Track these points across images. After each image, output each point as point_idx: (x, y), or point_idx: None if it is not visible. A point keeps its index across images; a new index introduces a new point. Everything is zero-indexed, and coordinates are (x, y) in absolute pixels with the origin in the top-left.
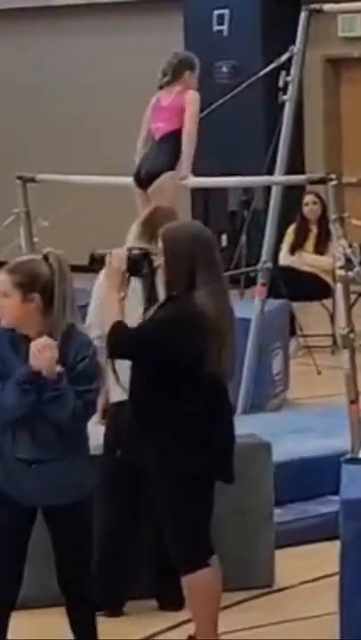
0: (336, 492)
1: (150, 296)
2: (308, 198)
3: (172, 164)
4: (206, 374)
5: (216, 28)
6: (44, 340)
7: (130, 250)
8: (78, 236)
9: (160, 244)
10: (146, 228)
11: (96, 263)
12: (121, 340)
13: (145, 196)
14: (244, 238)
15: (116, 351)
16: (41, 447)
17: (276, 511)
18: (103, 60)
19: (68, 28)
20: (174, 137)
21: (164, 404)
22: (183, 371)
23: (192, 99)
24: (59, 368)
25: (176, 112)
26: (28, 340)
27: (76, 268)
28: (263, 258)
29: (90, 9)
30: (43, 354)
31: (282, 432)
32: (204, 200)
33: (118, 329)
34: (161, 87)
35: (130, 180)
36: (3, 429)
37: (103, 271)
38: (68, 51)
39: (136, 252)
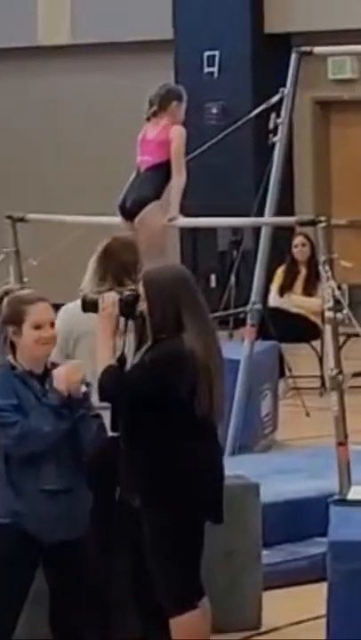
0: (324, 534)
1: (142, 338)
2: (297, 240)
3: (157, 194)
4: (196, 415)
5: (207, 69)
6: (74, 362)
7: (121, 293)
8: (68, 276)
9: (142, 289)
10: (101, 262)
11: (89, 308)
12: (112, 384)
13: (132, 229)
14: (233, 279)
15: (106, 394)
16: (64, 476)
17: (264, 552)
18: (93, 100)
19: (57, 68)
20: (160, 169)
21: (154, 445)
22: (173, 412)
23: (177, 134)
24: (83, 388)
25: (161, 145)
26: (32, 375)
27: None
28: (252, 299)
29: (81, 49)
30: (73, 376)
31: (270, 473)
32: (193, 240)
33: (109, 372)
34: (148, 118)
35: (120, 219)
36: (26, 462)
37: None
38: (58, 91)
39: (128, 294)
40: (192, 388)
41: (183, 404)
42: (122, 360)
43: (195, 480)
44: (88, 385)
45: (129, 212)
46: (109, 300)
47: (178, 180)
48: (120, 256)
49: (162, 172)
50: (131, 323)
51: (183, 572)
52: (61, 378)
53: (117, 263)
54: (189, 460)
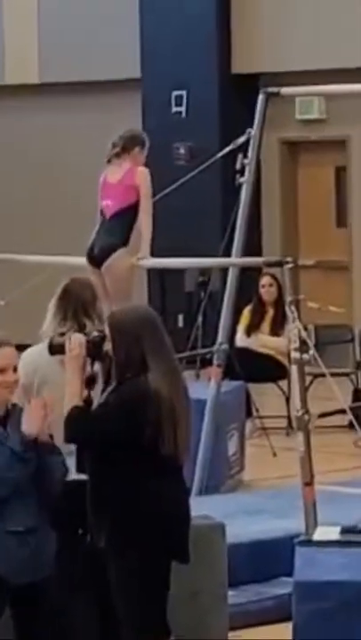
0: (290, 574)
1: (109, 378)
2: (264, 280)
3: (124, 240)
4: (161, 455)
5: (174, 109)
6: (37, 400)
7: (88, 334)
8: (33, 316)
9: (107, 330)
10: (61, 304)
11: (56, 350)
12: (77, 425)
13: (99, 274)
14: (200, 319)
15: (72, 435)
16: (30, 517)
17: (230, 593)
18: (61, 139)
19: (24, 107)
20: (125, 214)
21: (119, 485)
22: (138, 452)
23: (143, 177)
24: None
25: (126, 189)
26: None
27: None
28: (219, 339)
29: (47, 88)
30: (36, 414)
31: (237, 513)
32: (160, 280)
33: (75, 414)
34: (109, 160)
35: (84, 259)
36: None
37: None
38: (25, 130)
39: (95, 335)
40: (157, 427)
41: (148, 444)
42: (88, 401)
43: (160, 520)
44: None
45: (97, 260)
46: (76, 341)
47: (147, 221)
48: (79, 296)
49: (127, 217)
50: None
51: (149, 611)
52: (30, 421)
53: (76, 303)
54: (154, 500)
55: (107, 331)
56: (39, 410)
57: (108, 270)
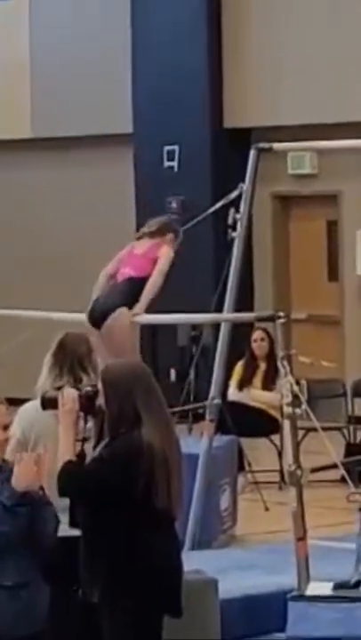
0: (283, 630)
1: (102, 432)
2: (256, 334)
3: (126, 305)
4: (154, 508)
5: (166, 163)
6: (30, 455)
7: (81, 389)
8: (27, 370)
9: (100, 385)
10: (57, 358)
11: (49, 405)
12: (70, 480)
13: (98, 335)
14: (192, 374)
15: (65, 490)
16: (22, 571)
17: None
18: (53, 193)
19: (16, 162)
20: (136, 283)
21: (112, 539)
22: (131, 506)
23: (166, 254)
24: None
25: (147, 261)
26: None
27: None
28: (211, 394)
29: (39, 143)
30: (27, 468)
31: (229, 568)
32: (152, 335)
33: (68, 468)
34: (139, 237)
35: (79, 315)
36: None
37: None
38: (17, 185)
39: (88, 389)
40: (150, 481)
41: (141, 498)
42: (82, 455)
43: (153, 574)
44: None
45: (98, 321)
46: (69, 396)
47: (155, 281)
48: (74, 350)
49: (137, 286)
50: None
51: None
52: (20, 475)
53: (72, 357)
54: (147, 554)
55: (99, 385)
56: (30, 465)
57: (106, 330)
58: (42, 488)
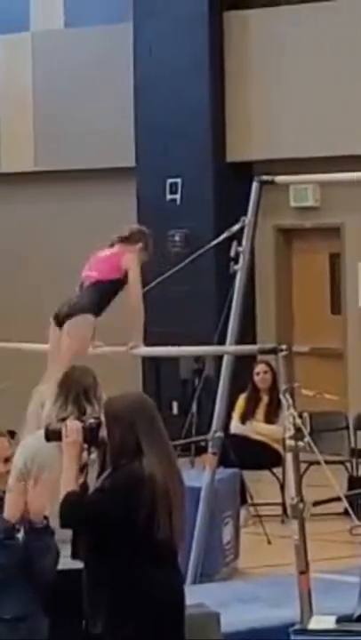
0: None
1: (104, 464)
2: (259, 367)
3: (94, 308)
4: (156, 540)
5: (169, 196)
6: (15, 485)
7: (84, 421)
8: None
9: (102, 417)
10: (62, 388)
11: (52, 437)
12: (72, 510)
13: (58, 333)
14: (194, 407)
15: (66, 521)
16: (21, 603)
17: None
18: (55, 227)
19: (20, 195)
20: (103, 286)
21: (114, 571)
22: (133, 538)
23: (132, 262)
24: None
25: (111, 265)
26: None
27: None
28: (214, 427)
29: (41, 176)
30: (15, 497)
31: (232, 601)
32: (155, 368)
33: (70, 499)
34: (112, 244)
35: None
36: None
37: None
38: (19, 218)
39: (91, 421)
40: (152, 512)
41: (143, 529)
42: (84, 487)
43: (155, 607)
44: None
45: (61, 317)
46: (73, 427)
47: (139, 310)
48: (79, 381)
49: (105, 288)
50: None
51: None
52: (9, 507)
53: (77, 388)
54: (149, 586)
55: (102, 417)
56: (19, 494)
57: (68, 330)
58: (46, 517)
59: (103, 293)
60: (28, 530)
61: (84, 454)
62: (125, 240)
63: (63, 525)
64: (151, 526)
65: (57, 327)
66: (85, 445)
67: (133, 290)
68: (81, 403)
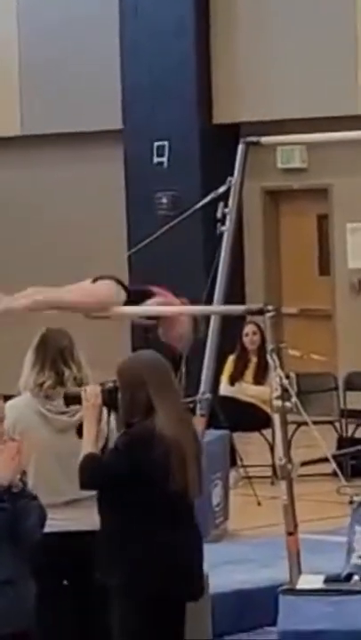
0: (274, 624)
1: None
2: (248, 328)
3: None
4: (172, 493)
5: (156, 159)
6: (8, 445)
7: (103, 384)
8: (11, 368)
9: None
10: (38, 353)
11: (71, 401)
12: (90, 471)
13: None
14: (183, 369)
15: (86, 482)
16: (6, 567)
17: None
18: (43, 192)
19: (6, 159)
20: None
21: (132, 528)
22: (148, 494)
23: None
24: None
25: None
26: None
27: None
28: (202, 389)
29: (29, 140)
30: (9, 457)
31: (221, 563)
32: (144, 331)
33: (88, 460)
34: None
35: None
36: None
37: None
38: (6, 182)
39: (110, 384)
40: (165, 466)
41: (157, 484)
42: (105, 449)
43: (172, 563)
44: (24, 473)
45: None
46: (92, 391)
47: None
48: (55, 343)
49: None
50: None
51: None
52: (1, 468)
53: (54, 351)
54: (166, 544)
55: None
56: (12, 454)
57: (105, 284)
58: (22, 481)
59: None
60: (3, 493)
61: (104, 418)
62: None
63: (82, 486)
64: (166, 480)
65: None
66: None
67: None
68: (58, 366)
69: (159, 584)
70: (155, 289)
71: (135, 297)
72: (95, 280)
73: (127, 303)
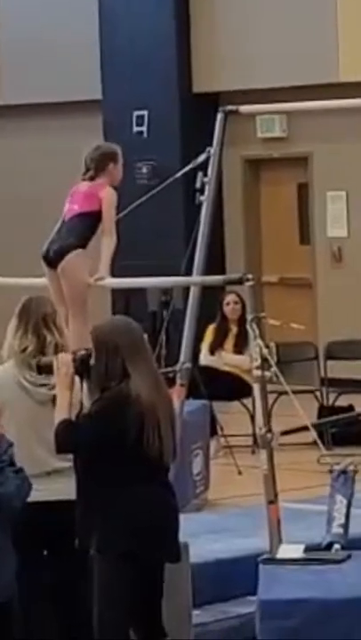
0: (255, 593)
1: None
2: (228, 298)
3: (81, 242)
4: (146, 456)
5: (136, 128)
6: None
7: (75, 352)
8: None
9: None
10: (21, 319)
11: (44, 370)
12: (65, 436)
13: (55, 275)
14: (163, 338)
15: (60, 447)
16: None
17: (195, 612)
18: (22, 161)
19: None
20: (85, 218)
21: (108, 491)
22: (123, 457)
23: (108, 195)
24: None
25: (89, 197)
26: None
27: None
28: (182, 358)
29: (9, 110)
30: None
31: (201, 532)
32: (125, 300)
33: (62, 426)
34: (84, 180)
35: (43, 280)
36: None
37: None
38: None
39: (82, 353)
40: (139, 430)
41: (132, 447)
42: (79, 416)
43: (149, 526)
44: (12, 445)
45: (53, 260)
46: (64, 359)
47: (109, 242)
48: (38, 309)
49: (87, 221)
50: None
51: (111, 620)
52: None
53: (36, 317)
54: (142, 505)
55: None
56: None
57: (63, 272)
58: (7, 453)
59: (86, 226)
60: None
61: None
62: (97, 173)
63: (58, 451)
64: (140, 444)
65: (51, 269)
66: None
67: (106, 222)
68: (40, 331)
69: (133, 541)
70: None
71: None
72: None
73: None
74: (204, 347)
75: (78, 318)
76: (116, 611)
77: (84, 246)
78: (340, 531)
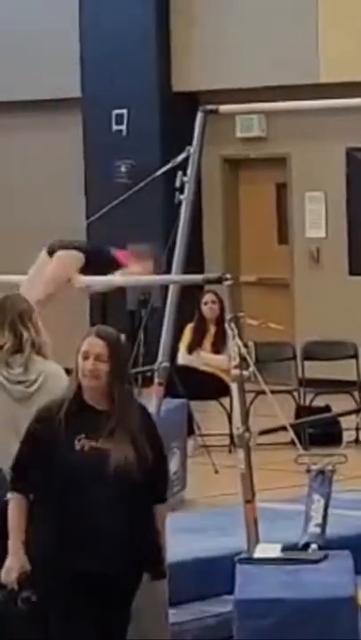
0: (232, 592)
1: None
2: (207, 297)
3: (87, 253)
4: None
5: (115, 127)
6: None
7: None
8: None
9: None
10: None
11: None
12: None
13: (46, 259)
14: (141, 337)
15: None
16: None
17: (172, 611)
18: (1, 158)
19: None
20: (110, 261)
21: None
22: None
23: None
24: None
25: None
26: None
27: None
28: (160, 357)
29: None
30: None
31: (178, 532)
32: (102, 299)
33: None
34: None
35: (19, 278)
36: None
37: None
38: None
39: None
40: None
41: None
42: None
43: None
44: None
45: (55, 248)
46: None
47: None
48: (14, 307)
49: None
50: None
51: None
52: None
53: (13, 314)
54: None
55: None
56: None
57: (58, 257)
58: None
59: (105, 259)
60: None
61: None
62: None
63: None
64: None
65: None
66: None
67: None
68: (17, 328)
69: (70, 560)
70: (117, 254)
71: (101, 266)
72: (51, 253)
73: (92, 267)
74: (183, 346)
75: (39, 294)
76: None
77: (87, 259)
78: (318, 530)
